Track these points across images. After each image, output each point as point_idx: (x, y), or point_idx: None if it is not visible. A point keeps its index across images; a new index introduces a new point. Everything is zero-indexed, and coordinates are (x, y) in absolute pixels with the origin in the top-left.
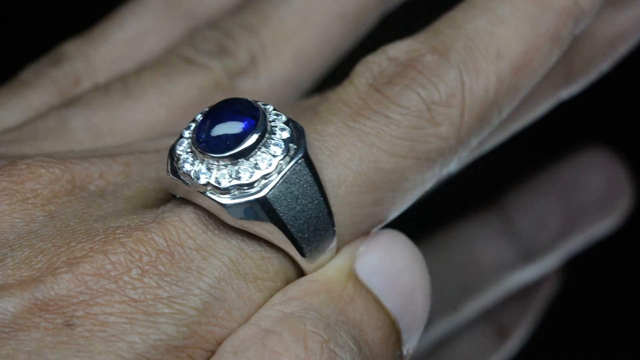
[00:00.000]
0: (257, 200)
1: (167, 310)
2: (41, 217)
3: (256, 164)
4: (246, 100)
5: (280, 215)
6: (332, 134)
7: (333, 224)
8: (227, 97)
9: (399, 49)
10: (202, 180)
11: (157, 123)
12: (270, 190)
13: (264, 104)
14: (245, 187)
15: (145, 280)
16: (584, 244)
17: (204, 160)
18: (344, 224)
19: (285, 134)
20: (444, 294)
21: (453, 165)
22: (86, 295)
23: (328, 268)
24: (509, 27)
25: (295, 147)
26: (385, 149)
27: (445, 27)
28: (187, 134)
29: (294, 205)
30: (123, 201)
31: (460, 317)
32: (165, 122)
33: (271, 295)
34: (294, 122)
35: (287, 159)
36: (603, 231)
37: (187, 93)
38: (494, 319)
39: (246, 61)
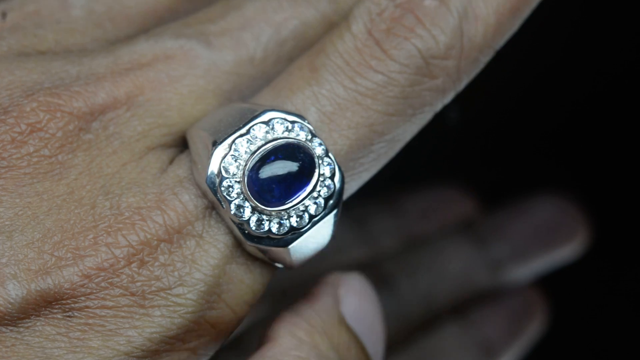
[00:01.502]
0: (277, 245)
1: (162, 303)
2: (49, 174)
3: (291, 221)
4: (304, 148)
5: (293, 259)
6: (329, 97)
7: None
8: None
9: None
10: (243, 216)
11: (160, 10)
12: (296, 243)
13: (312, 135)
14: (274, 236)
15: (144, 272)
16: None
17: (248, 201)
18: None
19: (328, 191)
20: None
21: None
22: (87, 289)
23: (322, 312)
24: None
25: (332, 202)
26: (380, 111)
27: None
28: (233, 149)
29: (308, 248)
30: (128, 151)
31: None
32: (168, 8)
33: (260, 277)
34: (340, 169)
35: (322, 215)
36: (566, 257)
37: None
38: (480, 335)
39: None
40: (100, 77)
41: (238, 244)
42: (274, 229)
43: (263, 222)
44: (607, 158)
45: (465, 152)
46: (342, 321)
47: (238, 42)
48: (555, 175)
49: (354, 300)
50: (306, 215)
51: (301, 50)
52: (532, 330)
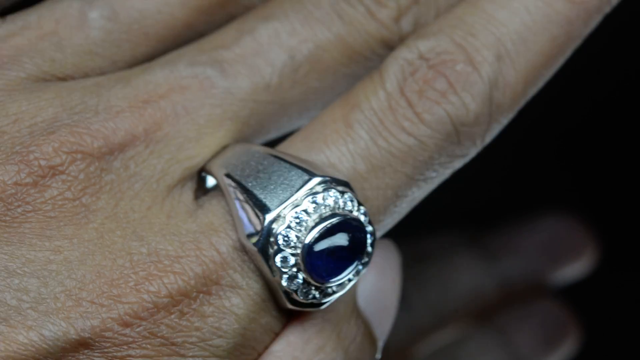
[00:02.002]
0: (314, 307)
1: (201, 353)
2: (75, 217)
3: (334, 289)
4: (357, 224)
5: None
6: (363, 157)
7: None
8: None
9: (431, 47)
10: (292, 286)
11: (177, 24)
12: (331, 302)
13: (358, 204)
14: (317, 300)
15: (184, 323)
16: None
17: (301, 272)
18: None
19: (367, 259)
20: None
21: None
22: (129, 337)
23: (339, 303)
24: (544, 33)
25: (366, 263)
26: (409, 174)
27: (481, 27)
28: (289, 221)
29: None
30: (150, 193)
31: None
32: (183, 24)
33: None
34: (374, 232)
35: (356, 278)
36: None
37: None
38: (513, 347)
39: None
40: (119, 112)
41: (272, 296)
42: (317, 296)
43: (310, 292)
44: (611, 171)
45: (469, 168)
46: (355, 309)
47: (253, 69)
48: (558, 189)
49: (372, 277)
50: (347, 283)
51: (317, 74)
52: (567, 344)
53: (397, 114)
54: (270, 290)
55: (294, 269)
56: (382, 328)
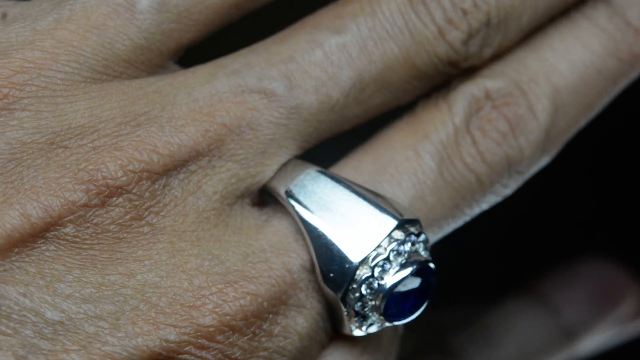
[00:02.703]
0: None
1: None
2: (146, 237)
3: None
4: (429, 268)
5: None
6: (431, 189)
7: None
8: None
9: (497, 88)
10: (363, 325)
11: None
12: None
13: (424, 244)
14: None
15: (255, 344)
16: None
17: (374, 313)
18: None
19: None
20: None
21: None
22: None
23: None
24: (596, 88)
25: None
26: (465, 212)
27: (543, 74)
28: (371, 269)
29: None
30: (213, 210)
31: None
32: (233, 3)
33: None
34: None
35: None
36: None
37: None
38: (558, 314)
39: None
40: (183, 125)
41: (330, 316)
42: (375, 328)
43: (374, 326)
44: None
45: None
46: (399, 334)
47: (320, 87)
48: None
49: None
50: None
51: (381, 93)
52: (621, 312)
53: (462, 150)
54: (331, 311)
55: (367, 310)
56: None
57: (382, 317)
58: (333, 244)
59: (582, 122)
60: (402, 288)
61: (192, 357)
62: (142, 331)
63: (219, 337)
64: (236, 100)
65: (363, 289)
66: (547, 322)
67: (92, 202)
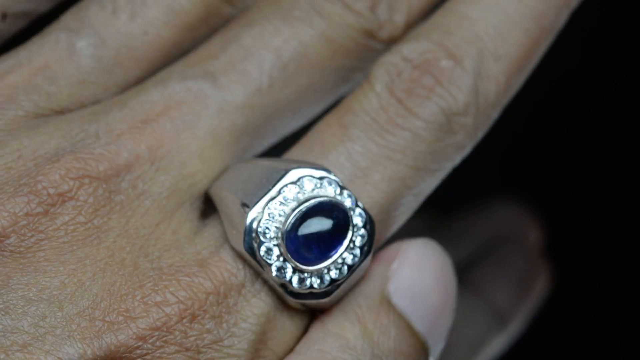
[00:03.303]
0: (318, 298)
1: (216, 355)
2: (88, 239)
3: (331, 274)
4: (339, 206)
5: (332, 300)
6: (362, 153)
7: None
8: (232, 9)
9: (413, 49)
10: (285, 279)
11: (165, 45)
12: (336, 291)
13: (340, 188)
14: (316, 289)
15: (196, 326)
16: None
17: (288, 262)
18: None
19: (362, 240)
20: None
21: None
22: (143, 350)
23: (360, 296)
24: (518, 27)
25: (366, 248)
26: (410, 165)
27: (457, 26)
28: (267, 213)
29: (346, 288)
30: (159, 209)
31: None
32: (172, 44)
33: (301, 323)
34: (369, 216)
35: (358, 261)
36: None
37: (192, 9)
38: (492, 303)
39: None
40: (120, 134)
41: (281, 299)
42: (316, 285)
43: (305, 280)
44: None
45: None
46: (384, 302)
47: (243, 75)
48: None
49: (407, 273)
50: (345, 267)
51: (305, 70)
52: (538, 292)
53: (389, 113)
54: (275, 291)
55: (280, 259)
56: (430, 325)
57: (293, 261)
58: (232, 208)
59: (524, 64)
60: (309, 230)
61: (131, 349)
62: (79, 327)
63: (155, 324)
64: (166, 103)
65: (261, 236)
66: (484, 312)
67: (34, 211)
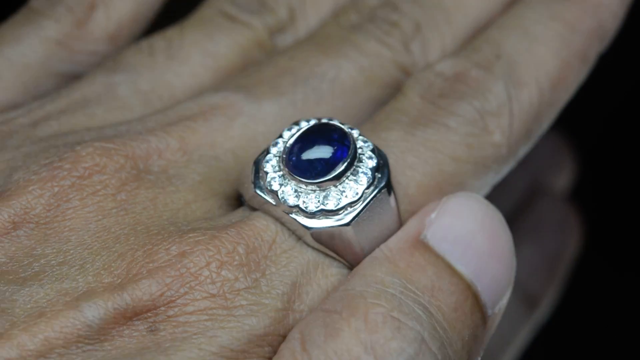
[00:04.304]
0: (340, 226)
1: (244, 302)
2: (114, 210)
3: (343, 191)
4: (338, 127)
5: (360, 240)
6: (396, 140)
7: None
8: (268, 57)
9: (444, 65)
10: (291, 202)
11: (203, 86)
12: (353, 218)
13: (350, 128)
14: (331, 213)
15: (223, 273)
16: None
17: (292, 182)
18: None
19: (372, 163)
20: None
21: (501, 175)
22: (167, 298)
23: (392, 242)
24: (544, 45)
25: (380, 175)
26: (446, 153)
27: (484, 44)
28: (274, 150)
29: (373, 230)
30: (192, 191)
31: None
32: (210, 85)
33: (334, 279)
34: (379, 150)
35: (372, 187)
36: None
37: (230, 54)
38: (521, 288)
39: (285, 17)
40: (151, 129)
41: (315, 255)
42: (326, 202)
43: (309, 195)
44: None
45: None
46: (419, 245)
47: (276, 88)
48: None
49: (447, 221)
50: (355, 190)
51: (340, 92)
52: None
53: (423, 111)
54: (295, 234)
55: (279, 172)
56: (476, 269)
57: (291, 175)
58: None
59: (563, 78)
60: (310, 155)
61: (155, 297)
62: (101, 282)
63: (181, 270)
64: (200, 109)
65: (265, 168)
66: (514, 298)
67: (61, 183)
